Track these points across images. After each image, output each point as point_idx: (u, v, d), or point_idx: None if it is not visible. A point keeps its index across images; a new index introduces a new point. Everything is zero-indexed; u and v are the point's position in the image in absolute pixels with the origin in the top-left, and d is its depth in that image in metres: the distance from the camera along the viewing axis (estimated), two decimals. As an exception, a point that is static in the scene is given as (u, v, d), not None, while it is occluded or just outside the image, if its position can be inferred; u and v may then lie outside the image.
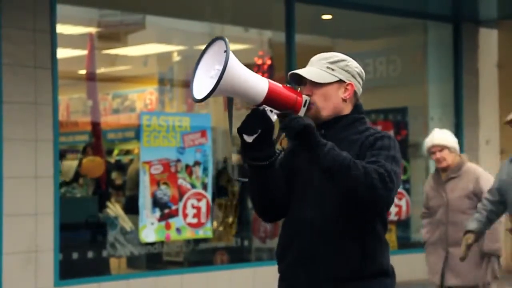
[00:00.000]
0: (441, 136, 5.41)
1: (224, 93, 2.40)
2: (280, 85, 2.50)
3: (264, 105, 2.48)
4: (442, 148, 5.36)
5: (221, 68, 2.33)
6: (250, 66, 9.14)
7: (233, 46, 9.05)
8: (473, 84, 9.57)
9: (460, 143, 9.47)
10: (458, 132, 9.52)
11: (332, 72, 2.65)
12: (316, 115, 2.61)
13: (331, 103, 2.63)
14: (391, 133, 9.06)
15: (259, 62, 9.00)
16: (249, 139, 2.50)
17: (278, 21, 8.31)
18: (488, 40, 9.76)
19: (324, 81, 2.63)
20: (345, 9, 8.63)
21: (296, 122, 2.42)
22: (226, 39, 2.40)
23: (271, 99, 2.46)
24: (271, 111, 2.49)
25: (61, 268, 6.68)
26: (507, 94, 9.75)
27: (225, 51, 2.35)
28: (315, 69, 2.65)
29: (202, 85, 2.40)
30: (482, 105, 9.62)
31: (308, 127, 2.42)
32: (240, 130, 2.50)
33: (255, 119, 2.48)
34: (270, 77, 8.83)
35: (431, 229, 5.47)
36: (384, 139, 2.57)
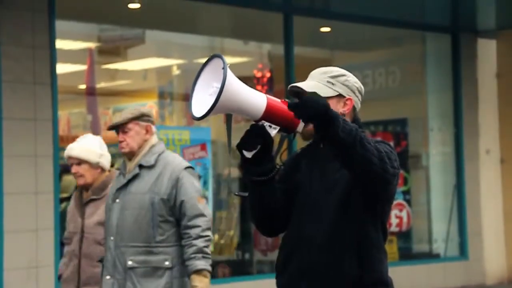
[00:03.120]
0: (81, 146, 4.34)
1: (223, 110, 2.41)
2: (279, 100, 2.50)
3: (263, 121, 2.49)
4: (79, 161, 4.29)
5: (219, 85, 2.34)
6: (250, 79, 9.20)
7: (232, 59, 9.14)
8: (473, 94, 9.58)
9: (460, 153, 9.53)
10: (458, 142, 9.53)
11: (332, 86, 2.67)
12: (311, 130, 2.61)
13: None
14: (391, 144, 9.07)
15: (259, 75, 9.02)
16: (248, 154, 2.52)
17: (277, 34, 8.34)
18: (487, 50, 9.78)
19: (324, 95, 2.64)
20: (343, 21, 8.66)
21: (316, 102, 2.37)
22: (223, 57, 2.42)
23: (270, 114, 2.46)
24: (270, 126, 2.50)
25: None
26: (506, 103, 9.76)
27: (223, 68, 2.35)
28: (315, 83, 2.67)
29: (201, 103, 2.42)
30: (482, 115, 9.63)
31: (328, 105, 2.40)
32: (240, 146, 2.52)
33: (254, 135, 2.49)
34: (270, 89, 8.84)
35: (66, 262, 4.29)
36: (383, 143, 2.61)
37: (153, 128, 4.05)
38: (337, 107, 2.65)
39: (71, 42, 8.29)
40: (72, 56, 8.53)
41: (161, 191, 3.84)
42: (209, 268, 3.79)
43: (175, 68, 9.49)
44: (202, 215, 3.83)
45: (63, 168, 9.40)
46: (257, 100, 2.45)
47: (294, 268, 2.60)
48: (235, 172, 9.33)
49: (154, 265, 3.79)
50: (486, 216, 9.53)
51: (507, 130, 9.72)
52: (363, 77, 9.17)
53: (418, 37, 9.65)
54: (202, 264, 3.75)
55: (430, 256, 9.30)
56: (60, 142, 7.26)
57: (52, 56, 6.63)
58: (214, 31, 8.87)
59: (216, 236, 8.29)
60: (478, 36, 9.65)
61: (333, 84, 2.67)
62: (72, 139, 10.80)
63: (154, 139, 4.03)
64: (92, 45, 8.63)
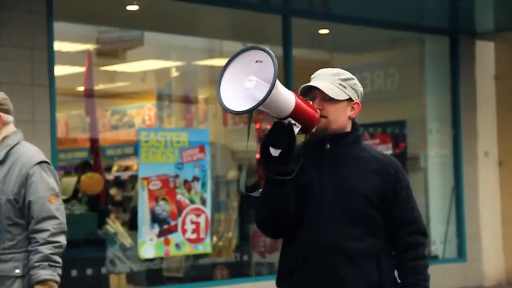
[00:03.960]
0: None
1: (262, 105, 2.34)
2: (301, 99, 2.48)
3: (289, 119, 2.44)
4: None
5: (258, 79, 2.29)
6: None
7: (230, 61, 8.82)
8: (471, 96, 9.58)
9: (459, 155, 9.53)
10: (456, 144, 9.53)
11: (344, 89, 2.66)
12: (326, 128, 2.62)
13: (340, 120, 2.65)
14: (389, 147, 9.07)
15: (257, 76, 9.01)
16: (275, 152, 2.45)
17: (276, 36, 8.34)
18: (485, 53, 9.79)
19: (338, 97, 2.64)
20: (342, 23, 8.67)
21: None
22: (266, 49, 2.35)
23: (296, 113, 2.43)
24: (294, 124, 2.46)
25: (59, 285, 6.64)
26: (504, 105, 9.77)
27: (260, 61, 2.29)
28: (329, 84, 2.64)
29: (234, 95, 2.34)
30: (480, 117, 9.64)
31: None
32: (268, 143, 2.45)
33: (283, 132, 2.43)
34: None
35: None
36: (400, 180, 2.67)
37: (7, 117, 3.50)
38: (346, 111, 2.66)
39: (70, 44, 8.29)
40: (70, 58, 8.52)
41: (8, 191, 3.35)
42: (56, 278, 3.35)
43: (173, 70, 9.49)
44: (53, 217, 3.33)
45: (62, 170, 9.42)
46: (288, 97, 2.40)
47: (308, 273, 2.55)
48: (233, 174, 9.33)
49: (2, 273, 3.34)
50: (484, 218, 9.54)
51: (505, 132, 9.72)
52: (361, 79, 9.16)
53: (416, 39, 9.65)
54: (47, 273, 3.30)
55: (428, 258, 9.29)
56: (58, 145, 7.25)
57: (50, 58, 6.63)
58: (213, 33, 8.87)
59: (215, 238, 8.28)
60: (476, 38, 9.66)
61: (344, 87, 2.66)
62: (71, 141, 10.84)
63: (8, 130, 3.50)
64: (90, 47, 8.63)
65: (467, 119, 9.51)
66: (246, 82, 2.34)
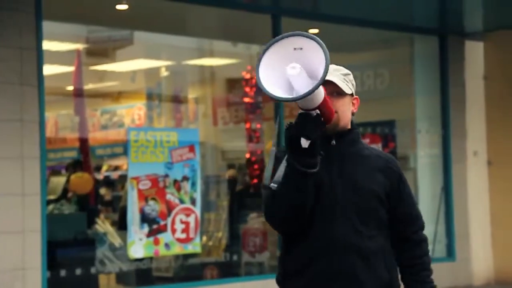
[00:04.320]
0: None
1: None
2: None
3: (316, 110, 2.40)
4: None
5: (299, 66, 2.26)
6: (238, 80, 9.20)
7: (221, 61, 9.08)
8: (460, 96, 9.61)
9: (448, 155, 9.55)
10: (445, 144, 9.56)
11: (347, 84, 2.65)
12: (337, 124, 2.59)
13: (346, 115, 2.65)
14: (379, 146, 9.09)
15: (247, 76, 9.02)
16: (305, 144, 2.39)
17: (266, 35, 8.34)
18: (474, 52, 9.82)
19: (348, 92, 2.63)
20: (331, 23, 8.67)
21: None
22: (313, 36, 2.32)
23: (323, 105, 2.41)
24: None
25: (49, 286, 6.63)
26: (493, 105, 9.80)
27: (299, 49, 2.26)
28: (337, 79, 2.62)
29: (272, 82, 2.29)
30: (469, 116, 9.67)
31: None
32: (301, 134, 2.39)
33: (313, 123, 2.39)
34: (258, 91, 8.84)
35: None
36: (402, 177, 2.72)
37: None
38: (350, 106, 2.65)
39: (59, 44, 8.26)
40: (59, 58, 8.50)
41: None
42: None
43: (163, 69, 9.47)
44: None
45: (51, 169, 9.39)
46: (320, 88, 2.36)
47: (321, 272, 2.50)
48: (224, 173, 9.32)
49: None
50: (473, 217, 9.57)
51: (494, 132, 9.76)
52: (351, 79, 9.18)
53: (406, 39, 9.68)
54: None
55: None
56: (47, 144, 7.23)
57: (39, 58, 6.60)
58: (203, 33, 8.86)
59: (204, 238, 8.28)
60: (465, 38, 9.69)
61: (347, 82, 2.65)
62: (60, 140, 10.81)
63: None
64: (80, 46, 8.61)
65: (456, 119, 9.54)
66: (289, 69, 2.30)
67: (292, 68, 2.30)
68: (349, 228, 2.53)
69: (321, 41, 2.32)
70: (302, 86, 2.29)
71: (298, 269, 2.53)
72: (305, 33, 2.35)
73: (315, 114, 2.39)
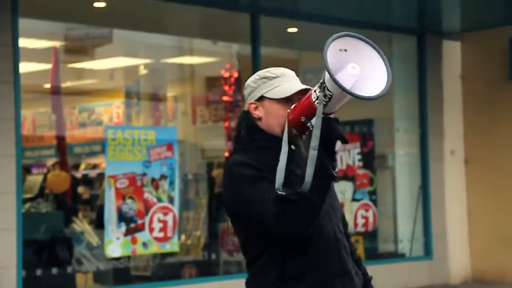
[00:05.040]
0: None
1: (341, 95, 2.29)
2: None
3: (334, 114, 2.38)
4: None
5: (357, 66, 2.27)
6: (218, 79, 9.18)
7: (200, 59, 9.04)
8: (438, 96, 9.67)
9: (425, 154, 9.61)
10: (423, 143, 9.61)
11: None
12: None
13: None
14: (357, 145, 9.12)
15: (226, 75, 9.01)
16: (338, 147, 2.35)
17: (244, 34, 8.33)
18: (452, 52, 9.89)
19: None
20: (310, 22, 8.69)
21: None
22: (360, 36, 2.33)
23: (338, 110, 2.40)
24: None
25: (24, 285, 6.58)
26: (470, 105, 9.87)
27: (345, 50, 2.26)
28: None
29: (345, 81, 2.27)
30: (447, 116, 9.73)
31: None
32: (339, 138, 2.34)
33: (339, 126, 2.36)
34: (237, 89, 8.83)
35: None
36: None
37: None
38: None
39: (36, 41, 8.20)
40: (36, 55, 8.43)
41: None
42: None
43: (142, 67, 9.43)
44: None
45: (27, 168, 9.32)
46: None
47: (323, 273, 2.48)
48: (203, 172, 9.30)
49: None
50: (451, 216, 9.63)
51: (471, 131, 9.83)
52: (330, 78, 9.19)
53: (384, 38, 9.71)
54: None
55: (395, 256, 9.36)
56: (24, 142, 7.17)
57: (15, 55, 6.55)
58: (182, 31, 8.83)
59: (183, 237, 8.26)
60: (443, 38, 9.75)
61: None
62: (38, 138, 10.72)
63: None
64: (57, 44, 8.54)
65: (434, 118, 9.59)
66: (349, 69, 2.30)
67: (352, 68, 2.31)
68: (336, 227, 2.56)
69: (370, 41, 2.35)
70: (357, 88, 2.30)
71: (298, 271, 2.47)
72: (349, 33, 2.36)
73: (336, 118, 2.37)
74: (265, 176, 2.44)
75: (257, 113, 2.57)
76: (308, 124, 2.40)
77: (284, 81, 2.58)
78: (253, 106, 2.58)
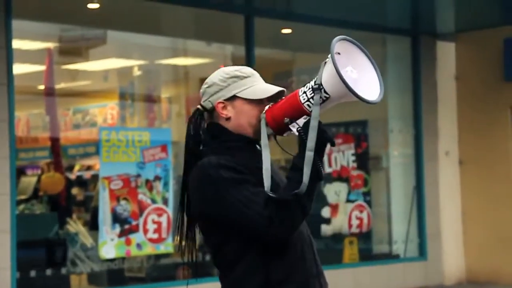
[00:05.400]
0: None
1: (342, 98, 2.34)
2: None
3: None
4: None
5: (354, 70, 2.32)
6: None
7: (194, 60, 9.06)
8: (432, 96, 9.69)
9: (420, 154, 9.62)
10: (417, 144, 9.62)
11: None
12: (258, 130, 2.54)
13: None
14: (351, 146, 9.13)
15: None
16: (327, 150, 2.43)
17: (238, 35, 8.34)
18: (446, 53, 9.90)
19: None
20: (304, 23, 8.69)
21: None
22: (350, 39, 2.38)
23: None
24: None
25: (18, 286, 6.56)
26: (465, 105, 9.89)
27: (338, 53, 2.30)
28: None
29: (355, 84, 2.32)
30: (441, 116, 9.75)
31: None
32: (330, 141, 2.37)
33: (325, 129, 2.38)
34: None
35: None
36: None
37: None
38: None
39: (30, 42, 8.18)
40: (30, 56, 8.41)
41: None
42: None
43: (136, 69, 9.43)
44: None
45: (21, 169, 9.30)
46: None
47: (304, 274, 2.45)
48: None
49: None
50: (445, 217, 9.65)
51: (466, 132, 9.85)
52: (324, 79, 9.19)
53: (378, 39, 9.72)
54: None
55: (390, 257, 9.37)
56: (18, 144, 7.16)
57: (9, 56, 6.54)
58: (176, 32, 8.83)
59: (177, 238, 8.24)
60: (437, 39, 9.77)
61: None
62: (32, 140, 10.68)
63: None
64: (51, 45, 8.53)
65: (428, 119, 9.61)
66: (349, 72, 2.33)
67: (351, 71, 2.34)
68: (306, 227, 2.54)
69: (363, 48, 2.38)
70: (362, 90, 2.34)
71: (283, 274, 2.42)
72: (344, 36, 2.39)
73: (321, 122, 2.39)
74: (248, 179, 2.38)
75: (225, 112, 2.49)
76: (291, 125, 2.38)
77: (255, 82, 2.53)
78: (221, 105, 2.49)
